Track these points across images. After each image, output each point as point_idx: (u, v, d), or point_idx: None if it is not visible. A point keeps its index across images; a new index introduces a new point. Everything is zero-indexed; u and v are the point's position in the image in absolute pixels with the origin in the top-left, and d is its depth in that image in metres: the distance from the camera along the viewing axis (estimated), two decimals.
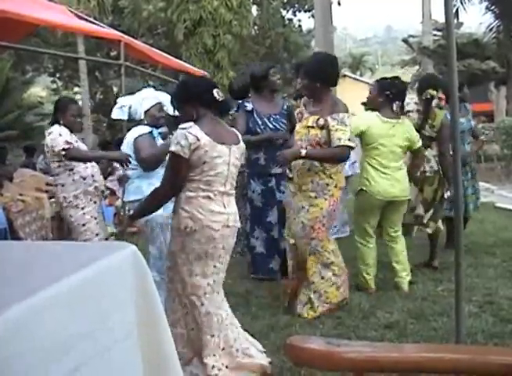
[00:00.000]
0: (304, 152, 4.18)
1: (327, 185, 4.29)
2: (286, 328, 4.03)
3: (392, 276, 4.95)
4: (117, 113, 4.57)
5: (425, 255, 5.58)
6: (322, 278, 4.38)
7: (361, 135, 4.81)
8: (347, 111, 4.33)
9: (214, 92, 3.27)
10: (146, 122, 4.46)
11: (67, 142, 4.45)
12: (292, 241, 4.48)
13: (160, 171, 3.72)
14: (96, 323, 1.56)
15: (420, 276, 5.17)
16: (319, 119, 4.28)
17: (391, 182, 4.75)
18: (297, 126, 4.50)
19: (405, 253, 4.96)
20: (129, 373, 1.74)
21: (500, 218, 8.00)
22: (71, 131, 4.66)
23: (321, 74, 4.33)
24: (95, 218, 4.64)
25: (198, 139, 3.09)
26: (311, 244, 4.34)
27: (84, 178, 4.57)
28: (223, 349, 3.25)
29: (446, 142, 5.13)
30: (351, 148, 4.27)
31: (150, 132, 4.39)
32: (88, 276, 1.58)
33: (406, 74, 28.03)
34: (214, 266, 3.22)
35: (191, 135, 3.08)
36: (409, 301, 4.52)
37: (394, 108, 4.81)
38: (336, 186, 4.33)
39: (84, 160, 4.60)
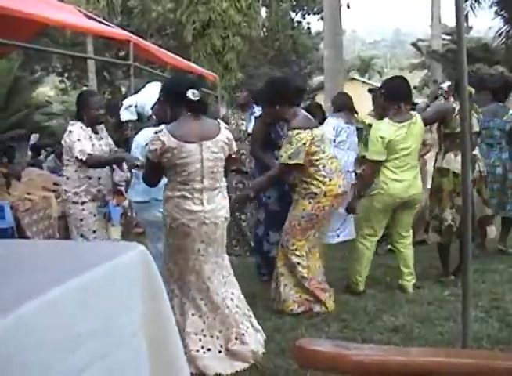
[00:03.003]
0: (251, 192, 4.53)
1: (316, 194, 4.34)
2: (292, 331, 4.03)
3: (397, 280, 4.96)
4: (126, 115, 4.56)
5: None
6: (291, 272, 4.42)
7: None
8: (307, 126, 4.35)
9: (189, 92, 3.36)
10: (153, 121, 4.45)
11: (83, 153, 4.31)
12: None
13: None
14: (103, 322, 1.57)
15: (426, 281, 5.15)
16: None
17: (409, 182, 4.73)
18: None
19: (412, 257, 4.96)
20: (136, 371, 1.74)
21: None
22: (94, 124, 4.52)
23: (275, 96, 4.43)
24: (95, 215, 4.52)
25: (164, 144, 3.28)
26: (284, 238, 4.44)
27: (90, 178, 4.46)
28: (220, 331, 3.42)
29: None
30: (289, 165, 4.32)
31: None
32: (97, 276, 1.59)
33: (415, 78, 28.00)
34: (196, 259, 3.42)
35: (158, 140, 3.30)
36: (415, 305, 4.50)
37: (403, 108, 4.76)
38: (325, 195, 4.35)
39: (102, 166, 4.49)
